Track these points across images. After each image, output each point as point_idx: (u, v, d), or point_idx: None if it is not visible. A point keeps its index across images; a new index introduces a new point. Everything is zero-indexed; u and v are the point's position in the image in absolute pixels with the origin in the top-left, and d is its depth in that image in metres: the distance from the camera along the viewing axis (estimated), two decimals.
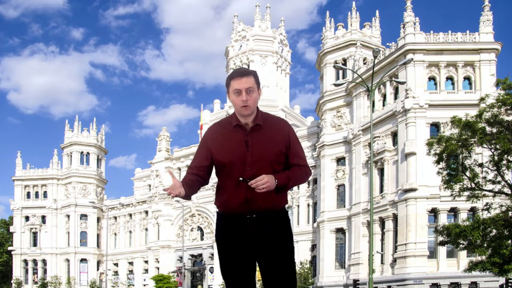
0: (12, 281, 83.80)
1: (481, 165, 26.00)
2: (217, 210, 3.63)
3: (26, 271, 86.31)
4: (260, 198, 3.38)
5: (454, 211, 45.39)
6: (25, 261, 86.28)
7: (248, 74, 3.38)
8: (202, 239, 74.39)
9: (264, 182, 3.25)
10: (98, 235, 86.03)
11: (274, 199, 3.46)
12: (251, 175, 3.32)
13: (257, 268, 3.62)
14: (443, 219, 43.99)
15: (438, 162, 26.51)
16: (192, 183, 3.46)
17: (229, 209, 3.50)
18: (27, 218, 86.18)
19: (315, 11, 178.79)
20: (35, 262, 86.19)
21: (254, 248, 3.47)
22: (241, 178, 3.33)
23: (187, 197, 3.46)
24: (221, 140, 3.47)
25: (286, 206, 3.64)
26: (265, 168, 3.37)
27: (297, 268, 59.33)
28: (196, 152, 3.60)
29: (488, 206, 25.73)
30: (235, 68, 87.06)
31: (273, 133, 3.46)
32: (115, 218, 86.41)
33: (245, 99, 3.34)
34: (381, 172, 50.59)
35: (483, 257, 26.00)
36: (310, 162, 64.89)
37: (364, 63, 55.56)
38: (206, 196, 68.47)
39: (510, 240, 25.36)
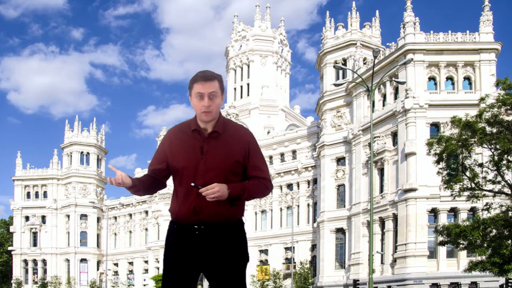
0: (12, 281, 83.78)
1: (481, 165, 25.98)
2: (170, 216, 3.49)
3: (26, 271, 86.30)
4: (209, 208, 3.20)
5: (454, 211, 45.39)
6: (25, 261, 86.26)
7: (213, 78, 3.21)
8: None
9: (214, 190, 3.07)
10: (98, 235, 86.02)
11: (226, 211, 3.26)
12: (202, 183, 3.15)
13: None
14: (443, 219, 43.99)
15: (438, 162, 26.49)
16: (145, 179, 3.35)
17: (179, 218, 3.33)
18: (27, 218, 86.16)
19: (315, 11, 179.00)
20: (35, 262, 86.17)
21: (201, 260, 3.29)
22: (192, 184, 3.16)
23: (136, 191, 3.35)
24: (177, 144, 3.31)
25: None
26: (218, 178, 3.19)
27: (297, 268, 59.77)
28: (154, 154, 3.45)
29: (488, 206, 25.72)
30: (235, 68, 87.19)
31: (232, 142, 3.28)
32: (115, 218, 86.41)
33: (207, 104, 3.19)
34: (381, 172, 50.59)
35: (483, 257, 25.99)
36: (310, 162, 64.94)
37: (364, 63, 55.55)
38: None
39: (510, 240, 25.36)
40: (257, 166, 3.34)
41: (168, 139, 3.38)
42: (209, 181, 3.15)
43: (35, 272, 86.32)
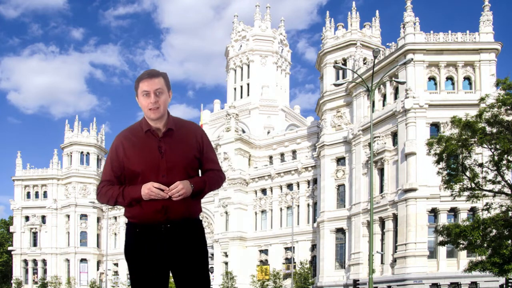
0: (12, 281, 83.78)
1: (481, 165, 25.96)
2: (128, 221, 3.42)
3: (26, 271, 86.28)
4: (177, 206, 3.23)
5: (454, 211, 45.38)
6: (25, 261, 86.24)
7: (157, 75, 3.23)
8: None
9: (179, 189, 3.14)
10: (98, 235, 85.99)
11: (191, 207, 3.34)
12: (166, 182, 3.17)
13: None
14: (443, 219, 43.99)
15: (438, 162, 26.48)
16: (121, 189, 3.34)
17: (144, 219, 3.29)
18: (27, 218, 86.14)
19: (315, 11, 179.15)
20: (35, 262, 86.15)
21: (168, 258, 3.31)
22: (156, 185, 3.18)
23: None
24: (132, 148, 3.28)
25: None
26: (181, 175, 3.24)
27: (297, 268, 59.75)
28: (108, 164, 3.36)
29: (488, 206, 25.71)
30: (235, 68, 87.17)
31: (186, 137, 3.34)
32: (115, 218, 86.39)
33: (154, 101, 3.20)
34: (381, 172, 50.58)
35: (483, 257, 25.98)
36: (310, 162, 64.92)
37: (364, 63, 55.54)
38: (207, 195, 68.50)
39: (510, 240, 25.34)
40: (212, 159, 3.46)
41: (120, 144, 3.32)
42: (173, 179, 3.20)
43: (35, 272, 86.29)
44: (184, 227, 3.33)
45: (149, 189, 3.14)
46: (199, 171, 3.48)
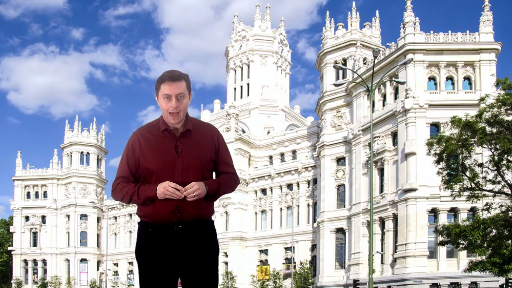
0: (12, 281, 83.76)
1: (481, 165, 25.96)
2: (140, 220, 3.41)
3: (26, 271, 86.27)
4: (190, 207, 3.23)
5: (454, 211, 45.39)
6: (25, 261, 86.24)
7: (180, 79, 3.21)
8: None
9: (195, 189, 3.14)
10: (98, 235, 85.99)
11: (204, 209, 3.34)
12: (180, 182, 3.17)
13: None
14: (443, 219, 43.99)
15: (438, 162, 26.48)
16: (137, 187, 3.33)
17: (157, 219, 3.28)
18: (27, 218, 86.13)
19: (315, 11, 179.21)
20: (35, 262, 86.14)
21: (178, 258, 3.30)
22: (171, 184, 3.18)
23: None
24: (148, 146, 3.28)
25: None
26: (196, 175, 3.24)
27: (297, 268, 59.73)
28: (124, 160, 3.35)
29: (488, 206, 25.71)
30: (235, 68, 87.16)
31: (203, 139, 3.34)
32: (115, 218, 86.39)
33: (175, 105, 3.18)
34: (381, 172, 50.58)
35: (483, 257, 25.98)
36: (310, 162, 64.91)
37: (364, 63, 55.55)
38: None
39: (510, 240, 25.34)
40: (227, 162, 3.45)
41: (137, 141, 3.32)
42: (188, 179, 3.20)
43: (35, 272, 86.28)
44: (197, 228, 3.33)
45: (165, 188, 3.14)
46: (214, 173, 3.47)
